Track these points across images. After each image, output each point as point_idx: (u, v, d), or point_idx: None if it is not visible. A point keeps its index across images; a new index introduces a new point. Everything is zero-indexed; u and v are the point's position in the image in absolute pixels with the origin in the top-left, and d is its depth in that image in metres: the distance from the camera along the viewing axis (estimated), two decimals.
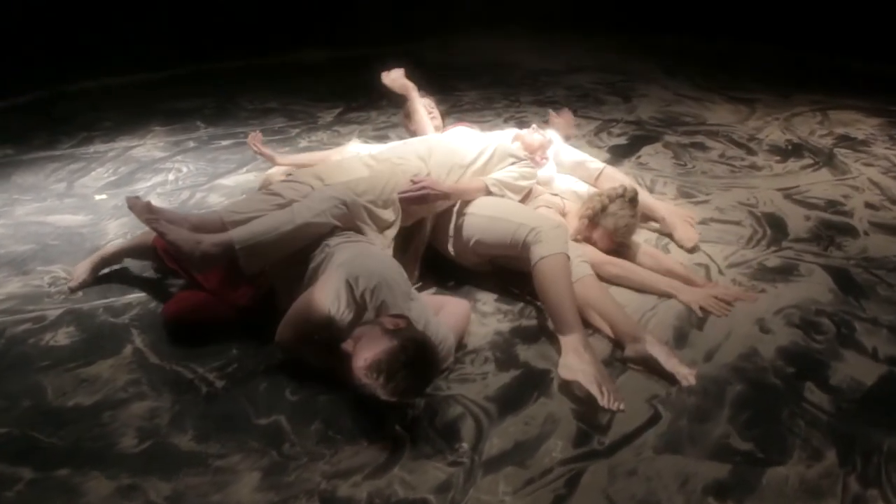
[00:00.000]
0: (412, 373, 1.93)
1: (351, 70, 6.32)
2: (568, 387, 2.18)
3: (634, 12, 7.13)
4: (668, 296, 2.65)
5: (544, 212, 2.90)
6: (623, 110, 4.96)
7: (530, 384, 2.21)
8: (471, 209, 2.81)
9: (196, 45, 6.41)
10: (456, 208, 2.84)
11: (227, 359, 2.36)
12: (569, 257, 2.46)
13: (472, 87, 5.61)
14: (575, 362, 2.20)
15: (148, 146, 4.42)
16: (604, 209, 2.82)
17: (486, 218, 2.73)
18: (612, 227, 2.79)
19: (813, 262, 2.90)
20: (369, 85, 5.59)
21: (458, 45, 6.97)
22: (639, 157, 4.08)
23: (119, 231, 3.28)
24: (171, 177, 3.93)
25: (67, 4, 5.73)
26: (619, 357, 2.32)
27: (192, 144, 4.45)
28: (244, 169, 4.00)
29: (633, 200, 2.85)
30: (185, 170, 4.03)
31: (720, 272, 2.83)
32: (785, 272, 2.82)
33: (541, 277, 2.41)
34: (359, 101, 5.24)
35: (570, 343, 2.26)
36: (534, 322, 2.52)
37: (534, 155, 3.19)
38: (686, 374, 2.20)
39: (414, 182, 2.75)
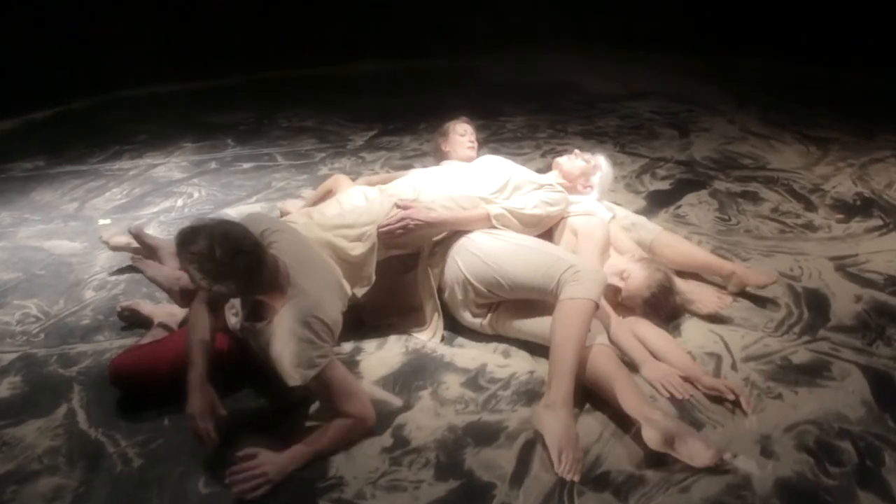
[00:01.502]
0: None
1: (400, 84, 6.14)
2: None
3: (717, 31, 6.58)
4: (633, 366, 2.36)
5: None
6: (676, 147, 4.51)
7: (466, 502, 1.92)
8: (469, 243, 2.57)
9: (249, 54, 6.39)
10: (457, 240, 2.60)
11: (155, 431, 2.18)
12: (597, 307, 2.26)
13: (520, 111, 5.29)
14: (547, 417, 2.05)
15: (171, 165, 4.36)
16: (642, 302, 2.57)
17: (504, 249, 2.50)
18: (640, 310, 2.58)
19: (851, 359, 2.45)
20: (414, 103, 5.46)
21: (519, 62, 6.64)
22: (678, 206, 3.66)
23: (107, 263, 3.19)
24: (179, 202, 3.84)
25: (123, 10, 5.81)
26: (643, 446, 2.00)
27: (213, 166, 4.36)
28: (254, 198, 3.85)
29: (671, 291, 2.60)
30: (196, 195, 3.93)
31: (733, 367, 2.43)
32: (812, 372, 2.39)
33: (560, 316, 2.22)
34: (396, 123, 5.03)
35: (553, 396, 2.09)
36: (497, 416, 2.22)
37: (574, 183, 2.92)
38: (709, 457, 1.94)
39: (399, 207, 2.57)
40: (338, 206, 2.65)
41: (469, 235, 2.61)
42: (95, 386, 2.39)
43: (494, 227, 2.61)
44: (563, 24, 6.89)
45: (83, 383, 2.41)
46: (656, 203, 3.69)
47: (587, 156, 3.05)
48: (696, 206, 3.67)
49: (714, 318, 2.66)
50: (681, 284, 2.76)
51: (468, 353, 2.52)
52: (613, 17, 6.87)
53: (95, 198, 3.90)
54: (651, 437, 1.98)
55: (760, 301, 2.78)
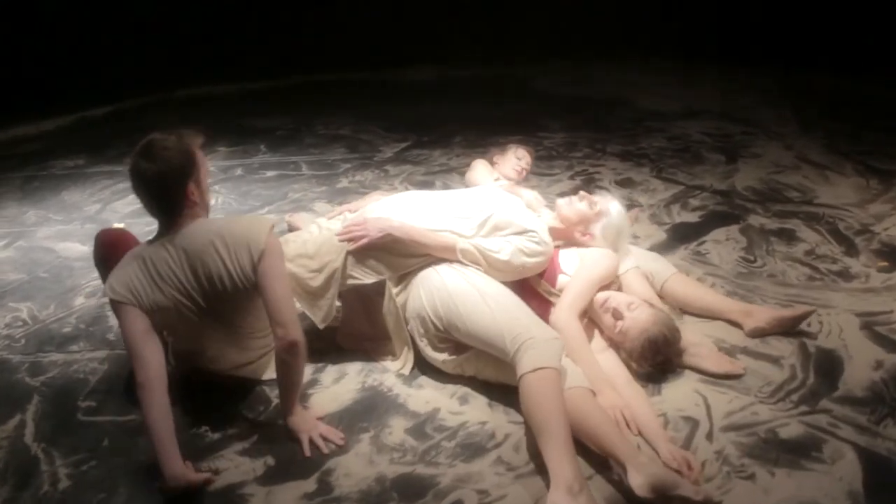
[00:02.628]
0: None
1: (446, 93, 6.04)
2: None
3: (797, 47, 6.13)
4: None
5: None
6: (718, 175, 4.19)
7: None
8: (434, 277, 2.43)
9: (304, 56, 6.44)
10: (423, 270, 2.47)
11: (91, 452, 2.17)
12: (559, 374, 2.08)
13: (562, 126, 5.07)
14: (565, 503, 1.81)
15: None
16: (637, 342, 2.39)
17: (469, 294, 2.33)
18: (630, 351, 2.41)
19: (850, 439, 2.15)
20: (455, 114, 5.34)
21: (574, 74, 6.39)
22: (702, 242, 3.38)
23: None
24: None
25: (182, 11, 5.98)
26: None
27: (238, 172, 4.39)
28: (266, 209, 3.84)
29: (670, 344, 2.41)
30: (212, 202, 3.94)
31: (709, 436, 2.19)
32: (799, 450, 2.11)
33: (531, 392, 2.03)
34: (432, 134, 4.93)
35: (561, 479, 1.86)
36: (432, 471, 2.07)
37: (571, 229, 2.72)
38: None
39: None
40: (303, 235, 2.59)
41: (436, 268, 2.47)
42: (54, 398, 2.42)
43: (459, 261, 2.46)
44: (626, 36, 6.60)
45: (43, 395, 2.44)
46: (678, 237, 3.42)
47: (596, 199, 2.75)
48: (722, 243, 3.37)
49: (704, 377, 2.42)
50: (689, 338, 2.53)
51: (424, 396, 2.39)
52: (682, 30, 6.52)
53: (118, 200, 4.00)
54: (638, 482, 1.85)
55: (762, 358, 2.51)
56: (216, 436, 2.23)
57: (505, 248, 2.47)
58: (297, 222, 3.29)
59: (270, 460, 2.12)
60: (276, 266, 2.16)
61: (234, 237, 2.16)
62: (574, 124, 5.10)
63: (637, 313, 2.43)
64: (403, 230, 2.45)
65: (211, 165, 4.47)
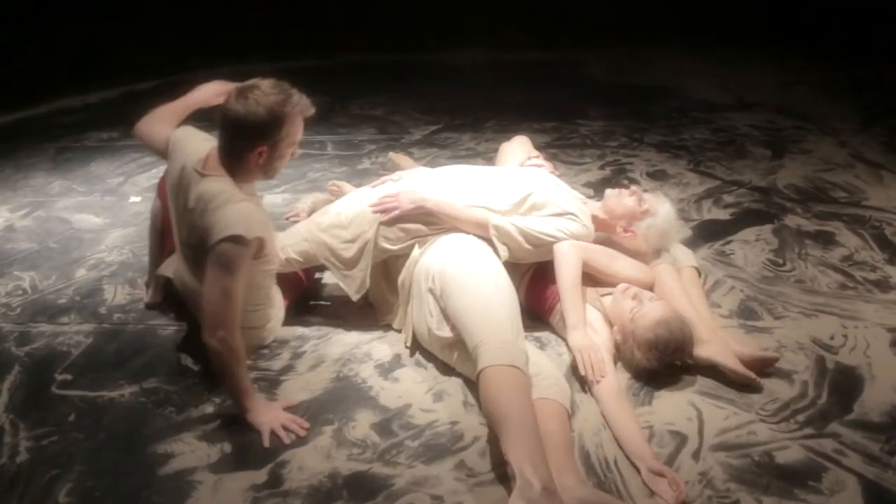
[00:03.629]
0: None
1: (491, 76, 5.87)
2: None
3: (867, 35, 5.68)
4: None
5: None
6: (760, 170, 3.89)
7: None
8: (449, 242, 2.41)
9: (351, 34, 6.36)
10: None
11: (57, 426, 2.15)
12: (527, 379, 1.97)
13: (603, 114, 4.83)
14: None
15: None
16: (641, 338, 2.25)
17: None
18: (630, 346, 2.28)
19: (856, 469, 1.92)
20: (494, 98, 5.16)
21: (627, 60, 6.09)
22: (728, 241, 3.14)
23: (112, 243, 3.25)
24: None
25: None
26: None
27: None
28: (281, 188, 3.78)
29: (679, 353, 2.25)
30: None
31: (696, 454, 1.99)
32: (795, 478, 1.90)
33: (492, 385, 1.92)
34: (465, 118, 4.77)
35: (521, 480, 1.70)
36: (388, 471, 1.95)
37: (614, 222, 2.60)
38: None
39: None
40: (338, 205, 2.59)
41: (455, 236, 2.43)
42: (32, 369, 2.41)
43: (492, 238, 2.41)
44: (687, 23, 6.24)
45: (24, 365, 2.44)
46: (704, 235, 3.18)
47: (646, 197, 2.63)
48: (751, 243, 3.12)
49: (702, 388, 2.23)
50: (709, 329, 2.33)
51: (398, 390, 2.27)
52: (745, 18, 6.12)
53: (142, 174, 4.01)
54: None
55: (772, 372, 2.29)
56: (179, 418, 2.18)
57: (544, 227, 2.43)
58: (401, 162, 3.54)
59: (227, 447, 2.06)
60: (213, 270, 2.08)
61: (212, 221, 2.11)
62: (616, 112, 4.85)
63: (657, 305, 2.30)
64: (436, 203, 2.44)
65: None
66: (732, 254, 3.04)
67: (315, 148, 4.36)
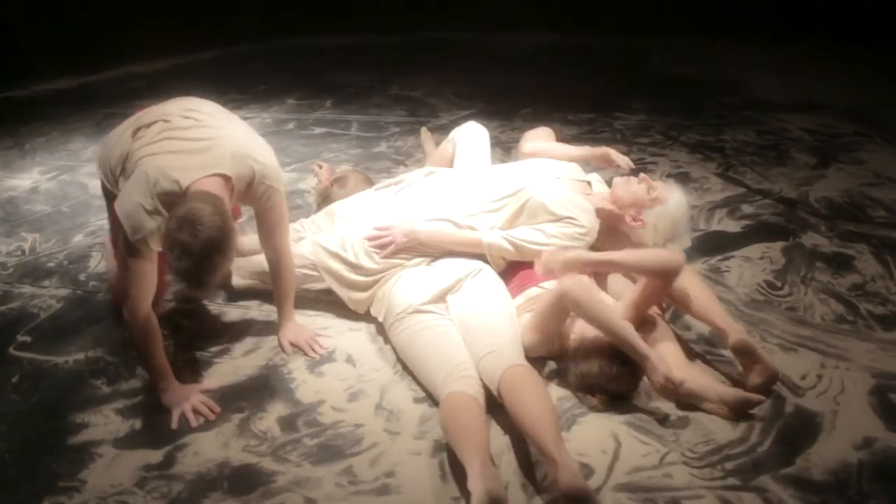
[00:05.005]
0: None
1: (546, 61, 5.67)
2: None
3: None
4: None
5: None
6: (795, 181, 3.55)
7: None
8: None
9: (416, 11, 6.31)
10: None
11: (20, 406, 2.21)
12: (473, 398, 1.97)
13: (647, 108, 4.56)
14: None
15: (257, 121, 4.49)
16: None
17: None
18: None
19: None
20: (540, 84, 4.96)
21: (695, 51, 5.71)
22: (728, 257, 2.89)
23: None
24: None
25: None
26: None
27: (290, 126, 4.41)
28: (292, 167, 3.80)
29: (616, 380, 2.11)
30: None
31: (598, 491, 1.85)
32: None
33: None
34: (501, 104, 4.63)
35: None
36: (275, 467, 1.93)
37: (623, 212, 2.49)
38: None
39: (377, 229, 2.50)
40: (342, 229, 2.59)
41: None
42: (2, 329, 2.55)
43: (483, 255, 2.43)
44: (766, 15, 5.78)
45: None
46: (703, 249, 2.94)
47: (657, 184, 2.50)
48: (753, 261, 2.86)
49: (633, 420, 2.07)
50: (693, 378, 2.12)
51: (318, 385, 2.24)
52: (827, 12, 5.58)
53: None
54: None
55: (712, 420, 2.08)
56: (108, 390, 2.25)
57: (537, 237, 2.39)
58: (426, 143, 3.63)
59: (137, 424, 2.10)
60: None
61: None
62: (661, 107, 4.56)
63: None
64: (427, 234, 2.46)
65: (270, 117, 4.56)
66: (727, 271, 2.80)
67: (340, 127, 4.37)
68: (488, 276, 2.39)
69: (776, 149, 3.92)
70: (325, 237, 2.57)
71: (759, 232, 3.08)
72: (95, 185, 3.60)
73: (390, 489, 1.85)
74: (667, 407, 2.10)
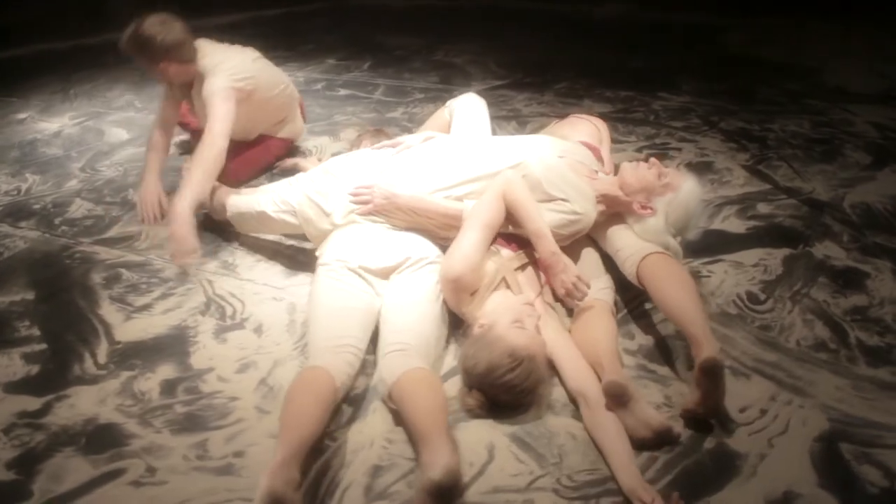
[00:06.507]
0: None
1: (612, 36, 5.30)
2: None
3: None
4: None
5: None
6: (834, 181, 3.08)
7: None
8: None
9: None
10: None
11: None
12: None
13: (696, 89, 4.15)
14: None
15: (292, 78, 4.37)
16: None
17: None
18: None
19: None
20: (593, 59, 4.60)
21: (775, 32, 5.13)
22: (716, 261, 2.53)
23: (118, 159, 3.46)
24: None
25: None
26: None
27: (319, 87, 4.34)
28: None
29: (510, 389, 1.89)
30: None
31: None
32: None
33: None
34: (537, 76, 4.35)
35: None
36: (138, 430, 1.88)
37: (631, 197, 2.33)
38: None
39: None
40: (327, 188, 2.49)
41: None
42: None
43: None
44: None
45: None
46: (694, 248, 2.58)
47: (668, 170, 2.32)
48: (743, 268, 2.50)
49: (521, 433, 1.85)
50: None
51: (215, 351, 2.16)
52: None
53: None
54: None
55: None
56: (24, 333, 2.27)
57: None
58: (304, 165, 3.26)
59: (35, 369, 2.11)
60: None
61: None
62: (712, 89, 4.12)
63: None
64: (407, 200, 2.33)
65: (304, 76, 4.51)
66: (709, 276, 2.47)
67: (366, 90, 4.26)
68: (436, 272, 2.22)
69: (827, 143, 3.43)
70: (315, 188, 2.49)
71: (766, 236, 2.70)
72: (110, 133, 3.73)
73: (232, 469, 1.75)
74: (562, 424, 1.87)
